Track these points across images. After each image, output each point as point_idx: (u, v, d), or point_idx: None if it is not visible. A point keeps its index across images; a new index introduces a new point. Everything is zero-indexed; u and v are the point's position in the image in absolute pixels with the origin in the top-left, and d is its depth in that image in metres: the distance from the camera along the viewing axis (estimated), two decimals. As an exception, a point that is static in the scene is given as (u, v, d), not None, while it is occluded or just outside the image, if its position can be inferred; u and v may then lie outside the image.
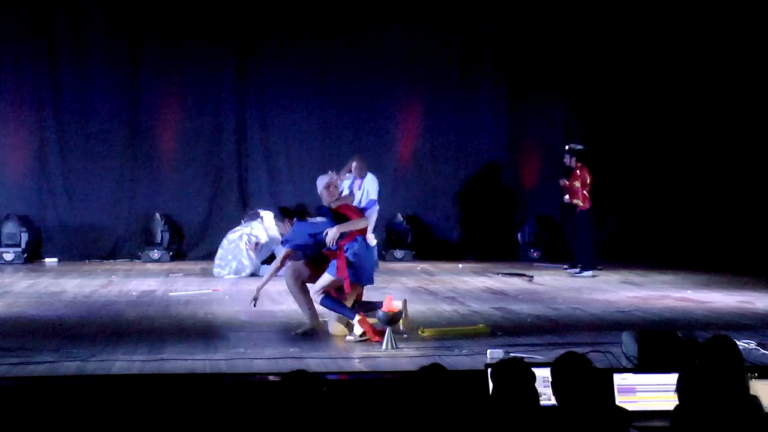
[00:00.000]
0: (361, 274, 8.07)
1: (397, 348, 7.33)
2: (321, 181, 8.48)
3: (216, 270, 13.43)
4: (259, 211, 14.07)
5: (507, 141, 16.51)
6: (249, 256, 13.37)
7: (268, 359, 6.95)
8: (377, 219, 13.05)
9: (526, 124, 16.54)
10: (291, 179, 16.11)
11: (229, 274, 13.29)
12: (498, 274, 13.57)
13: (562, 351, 4.87)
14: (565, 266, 14.05)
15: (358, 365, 6.80)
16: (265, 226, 13.57)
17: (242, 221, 14.14)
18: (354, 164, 12.67)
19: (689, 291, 11.53)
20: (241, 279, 13.01)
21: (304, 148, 16.24)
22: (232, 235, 13.65)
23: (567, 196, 13.55)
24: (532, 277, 13.04)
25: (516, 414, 4.20)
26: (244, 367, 6.67)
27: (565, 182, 13.53)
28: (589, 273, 13.33)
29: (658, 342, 6.42)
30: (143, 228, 15.65)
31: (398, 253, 15.80)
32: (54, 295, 11.01)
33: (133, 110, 15.85)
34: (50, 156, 15.77)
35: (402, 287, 11.92)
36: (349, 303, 8.07)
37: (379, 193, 12.85)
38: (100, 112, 15.75)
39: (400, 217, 16.00)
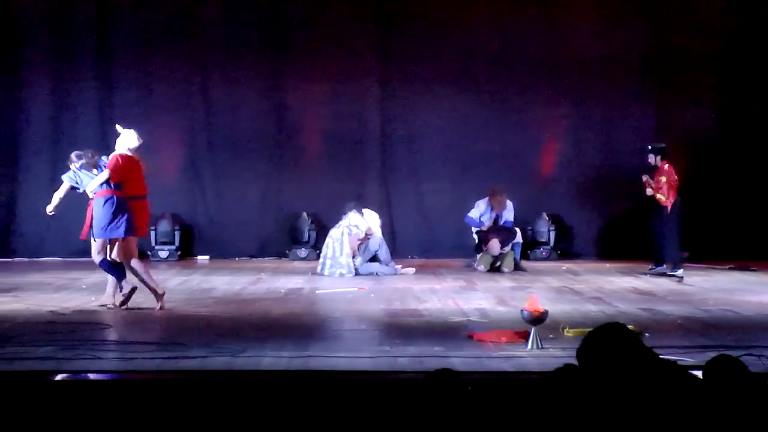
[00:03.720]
0: (112, 229, 9.38)
1: (542, 348, 7.26)
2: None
3: (327, 269, 13.23)
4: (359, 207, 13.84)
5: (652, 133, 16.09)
6: (348, 255, 13.19)
7: (411, 357, 6.97)
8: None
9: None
10: (435, 178, 16.14)
11: (349, 272, 13.14)
12: (646, 274, 13.27)
13: (713, 354, 4.74)
14: (650, 267, 13.42)
15: (503, 365, 6.75)
16: (365, 219, 13.55)
17: (342, 216, 13.75)
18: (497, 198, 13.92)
19: None
20: (378, 277, 13.04)
21: (448, 148, 16.23)
22: (335, 232, 13.46)
23: (649, 190, 13.19)
24: (681, 278, 12.71)
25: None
26: (387, 365, 6.70)
27: (647, 178, 13.21)
28: (680, 270, 13.01)
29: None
30: (290, 226, 15.94)
31: (542, 253, 15.66)
32: (205, 292, 11.34)
33: (279, 111, 16.17)
34: (201, 157, 16.23)
35: (546, 287, 11.78)
36: (117, 257, 9.53)
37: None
38: (247, 112, 16.13)
39: (545, 216, 15.85)
